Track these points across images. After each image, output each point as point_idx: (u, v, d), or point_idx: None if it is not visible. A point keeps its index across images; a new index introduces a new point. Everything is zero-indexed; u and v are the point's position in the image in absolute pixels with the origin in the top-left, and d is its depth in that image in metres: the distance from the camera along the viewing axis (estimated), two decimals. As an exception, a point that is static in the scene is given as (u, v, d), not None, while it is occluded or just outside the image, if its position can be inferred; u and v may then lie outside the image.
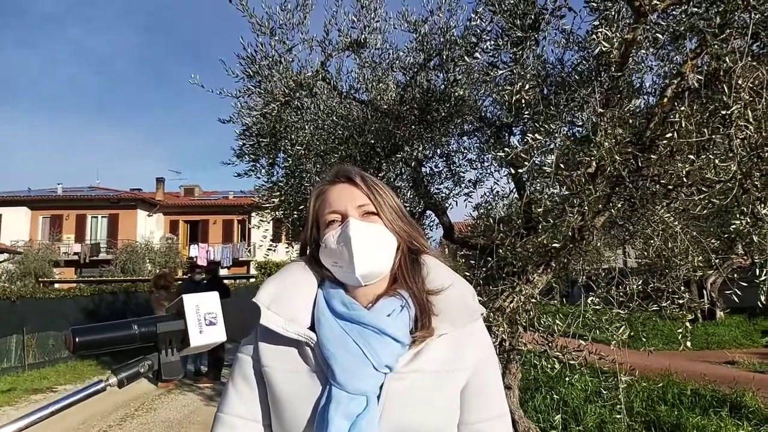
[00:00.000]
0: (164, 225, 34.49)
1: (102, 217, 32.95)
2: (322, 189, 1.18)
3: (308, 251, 1.20)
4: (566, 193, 3.14)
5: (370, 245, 1.08)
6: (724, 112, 2.47)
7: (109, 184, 37.14)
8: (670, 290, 3.31)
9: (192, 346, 0.82)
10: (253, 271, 30.27)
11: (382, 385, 1.02)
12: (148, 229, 32.48)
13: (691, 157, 2.73)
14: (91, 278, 23.85)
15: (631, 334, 3.21)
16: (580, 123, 3.76)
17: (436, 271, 1.16)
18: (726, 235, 4.64)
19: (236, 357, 1.15)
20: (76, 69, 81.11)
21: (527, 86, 2.82)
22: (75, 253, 30.82)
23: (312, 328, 1.08)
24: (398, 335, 1.04)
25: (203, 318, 0.83)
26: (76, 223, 32.34)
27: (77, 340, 0.75)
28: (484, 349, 1.14)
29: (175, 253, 30.29)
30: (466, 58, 3.34)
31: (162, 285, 9.65)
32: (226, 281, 13.68)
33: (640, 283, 3.31)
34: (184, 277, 18.95)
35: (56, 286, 22.00)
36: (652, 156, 2.89)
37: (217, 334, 0.83)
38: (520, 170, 3.03)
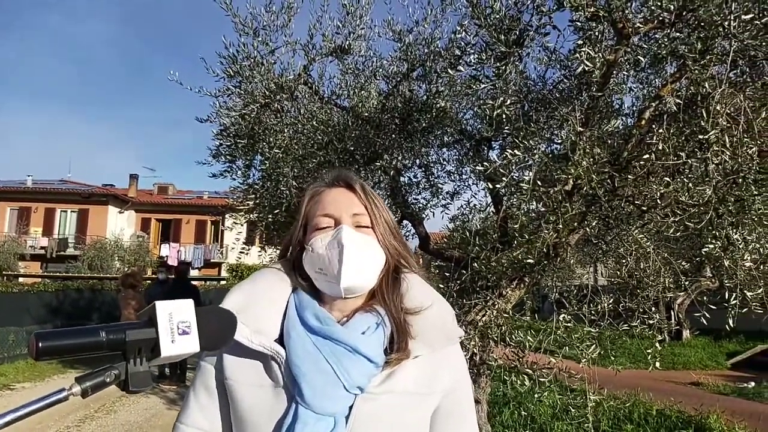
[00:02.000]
0: (136, 223, 33.91)
1: (72, 211, 32.28)
2: (318, 190, 1.12)
3: (290, 253, 1.14)
4: (542, 209, 3.15)
5: (361, 257, 1.02)
6: (701, 137, 2.50)
7: (81, 178, 36.40)
8: (641, 310, 3.33)
9: (163, 356, 0.77)
10: (224, 273, 29.88)
11: (351, 406, 0.97)
12: (118, 226, 31.91)
13: (667, 179, 2.75)
14: (57, 273, 23.30)
15: (601, 352, 3.23)
16: (559, 141, 3.78)
17: (417, 289, 1.10)
18: (696, 258, 4.72)
19: (199, 365, 1.08)
20: (53, 58, 79.67)
21: (509, 101, 2.82)
22: (42, 247, 30.12)
23: (280, 340, 1.02)
24: (372, 355, 0.99)
25: (176, 327, 0.77)
26: (45, 217, 31.61)
27: (40, 345, 0.70)
28: (459, 371, 1.10)
29: (146, 252, 29.85)
30: (449, 70, 3.33)
31: (130, 284, 9.40)
32: (195, 282, 13.42)
33: (611, 301, 3.33)
34: (154, 276, 18.65)
35: (20, 280, 21.40)
36: (628, 177, 2.91)
37: (191, 345, 0.78)
38: (498, 185, 3.03)
